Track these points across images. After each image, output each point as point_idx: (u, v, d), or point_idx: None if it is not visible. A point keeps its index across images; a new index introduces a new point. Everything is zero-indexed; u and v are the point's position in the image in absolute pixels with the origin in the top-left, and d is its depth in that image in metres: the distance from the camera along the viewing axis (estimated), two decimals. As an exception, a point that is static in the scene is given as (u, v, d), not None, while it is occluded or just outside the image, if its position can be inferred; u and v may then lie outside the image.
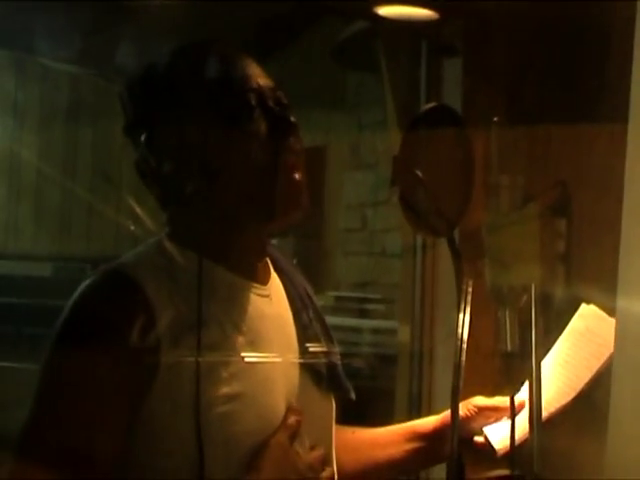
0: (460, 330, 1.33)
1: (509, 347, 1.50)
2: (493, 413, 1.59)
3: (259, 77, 1.41)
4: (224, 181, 1.38)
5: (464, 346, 1.32)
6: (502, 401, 1.58)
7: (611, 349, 1.41)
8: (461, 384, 1.32)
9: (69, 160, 4.28)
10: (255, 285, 1.43)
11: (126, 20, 3.11)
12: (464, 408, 1.56)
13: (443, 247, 2.47)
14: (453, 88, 2.46)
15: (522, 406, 1.53)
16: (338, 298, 3.61)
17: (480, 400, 1.60)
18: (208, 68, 1.42)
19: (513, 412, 1.49)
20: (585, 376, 1.57)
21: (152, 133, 1.40)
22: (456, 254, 1.34)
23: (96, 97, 4.01)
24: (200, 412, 1.29)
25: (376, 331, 3.41)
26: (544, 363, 1.58)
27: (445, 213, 1.37)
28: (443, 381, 2.50)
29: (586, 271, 2.11)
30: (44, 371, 1.32)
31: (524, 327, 1.51)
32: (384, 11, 2.36)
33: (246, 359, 1.36)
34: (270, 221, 1.42)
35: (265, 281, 1.46)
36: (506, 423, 1.55)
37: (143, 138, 1.39)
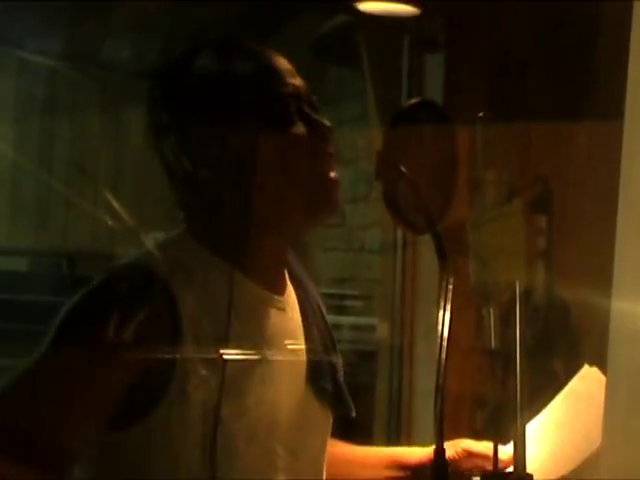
0: (441, 328, 1.31)
1: (493, 345, 1.48)
2: (481, 460, 1.54)
3: (294, 78, 1.37)
4: (261, 187, 1.33)
5: (444, 344, 1.31)
6: (491, 448, 1.53)
7: None
8: (443, 382, 1.30)
9: (45, 154, 4.24)
10: (273, 297, 1.39)
11: (105, 12, 3.08)
12: (452, 449, 1.51)
13: (422, 244, 2.47)
14: (435, 83, 2.45)
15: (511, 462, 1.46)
16: (317, 294, 3.58)
17: (470, 444, 1.57)
18: (244, 70, 1.36)
19: (496, 460, 1.43)
20: (585, 449, 1.48)
21: (186, 135, 1.34)
22: (441, 251, 1.32)
23: (73, 90, 3.97)
24: (218, 423, 1.25)
25: (355, 328, 3.39)
26: (536, 422, 1.52)
27: (429, 209, 1.35)
28: (423, 377, 2.49)
29: (566, 267, 2.11)
30: (41, 358, 1.25)
31: (506, 324, 1.49)
32: (366, 6, 2.35)
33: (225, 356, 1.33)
34: (307, 224, 1.41)
35: (282, 292, 1.41)
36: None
37: (175, 139, 1.34)
